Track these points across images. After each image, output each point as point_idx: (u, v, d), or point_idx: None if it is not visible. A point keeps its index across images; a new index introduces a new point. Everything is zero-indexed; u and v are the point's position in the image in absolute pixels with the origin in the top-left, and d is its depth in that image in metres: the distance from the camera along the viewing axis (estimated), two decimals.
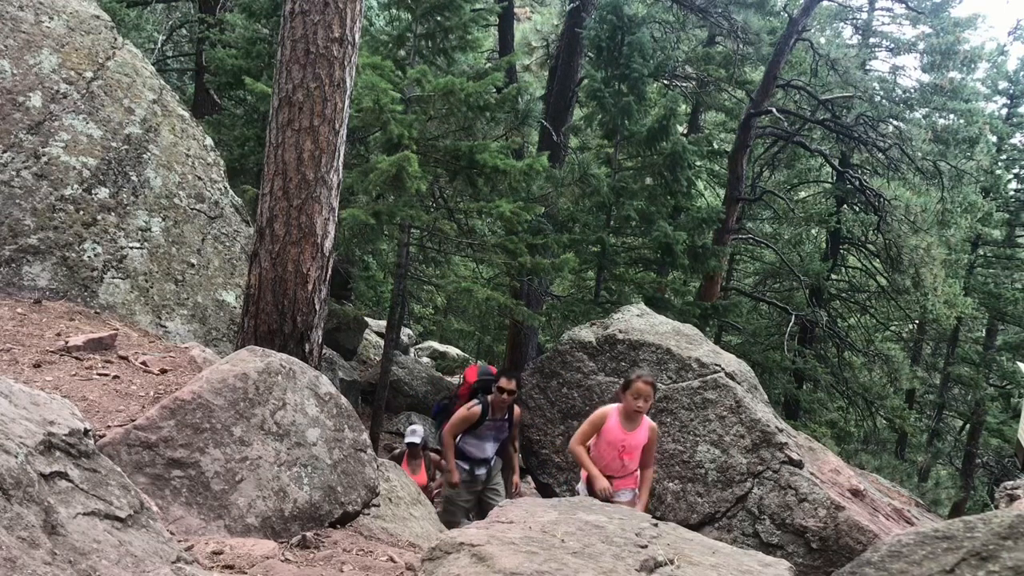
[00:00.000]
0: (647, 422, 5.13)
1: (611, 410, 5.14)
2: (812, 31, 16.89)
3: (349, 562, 3.50)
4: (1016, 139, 23.43)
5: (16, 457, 2.25)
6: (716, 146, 17.28)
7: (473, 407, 6.11)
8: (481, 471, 6.24)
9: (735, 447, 6.07)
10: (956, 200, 16.21)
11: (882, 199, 15.32)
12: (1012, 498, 6.96)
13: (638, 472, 5.22)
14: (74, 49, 5.96)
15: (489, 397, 6.12)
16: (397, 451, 8.21)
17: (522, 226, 9.63)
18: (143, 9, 12.94)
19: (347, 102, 5.09)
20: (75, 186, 5.58)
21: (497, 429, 6.19)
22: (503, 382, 6.06)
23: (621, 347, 6.71)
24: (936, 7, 17.50)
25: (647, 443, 5.11)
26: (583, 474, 5.25)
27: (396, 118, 8.12)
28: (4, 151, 5.40)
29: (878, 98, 16.21)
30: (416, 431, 7.91)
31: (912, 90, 17.37)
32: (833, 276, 18.48)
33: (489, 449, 6.24)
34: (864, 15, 19.05)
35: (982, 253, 22.70)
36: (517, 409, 6.34)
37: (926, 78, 17.57)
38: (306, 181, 4.92)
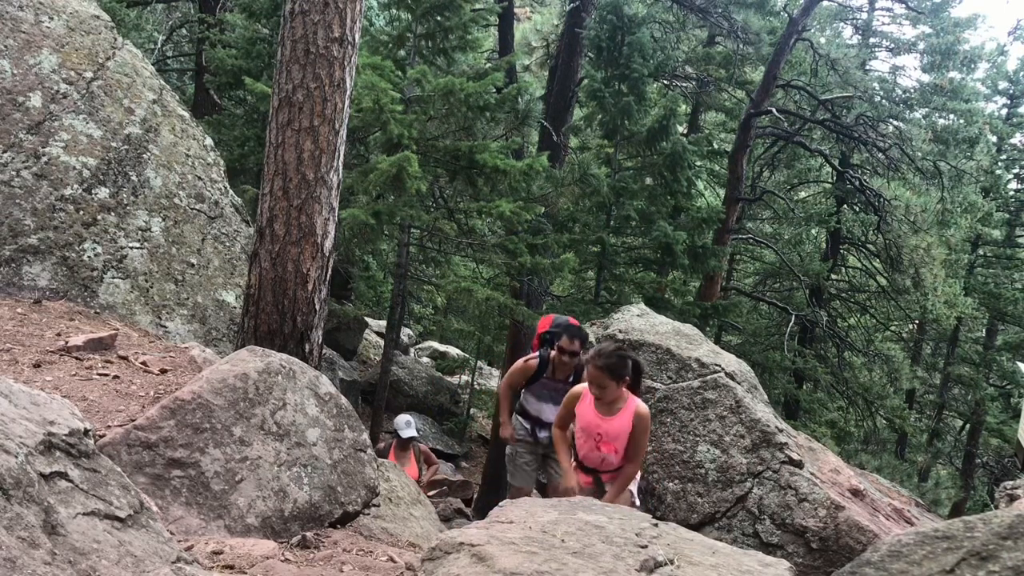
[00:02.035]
0: (633, 406, 4.13)
1: (587, 388, 4.24)
2: (812, 31, 16.89)
3: (349, 562, 3.50)
4: (1016, 139, 23.44)
5: (16, 457, 2.25)
6: (716, 146, 17.28)
7: (531, 360, 5.46)
8: (543, 434, 5.45)
9: (735, 447, 6.07)
10: (956, 200, 16.22)
11: (882, 199, 15.33)
12: (1012, 498, 6.96)
13: None
14: (74, 49, 5.96)
15: (552, 352, 5.37)
16: (382, 445, 8.18)
17: (522, 226, 9.64)
18: (143, 9, 12.94)
19: (347, 102, 5.10)
20: (75, 186, 5.58)
21: (558, 393, 5.23)
22: (563, 341, 5.25)
23: None
24: (936, 7, 17.51)
25: (632, 432, 4.13)
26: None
27: (396, 118, 8.13)
28: (4, 151, 5.40)
29: (878, 98, 16.22)
30: (411, 423, 7.94)
31: (912, 90, 17.38)
32: (833, 276, 18.48)
33: (548, 413, 5.40)
34: (864, 15, 19.05)
35: (982, 253, 22.70)
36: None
37: (926, 78, 17.59)
38: (306, 181, 4.92)
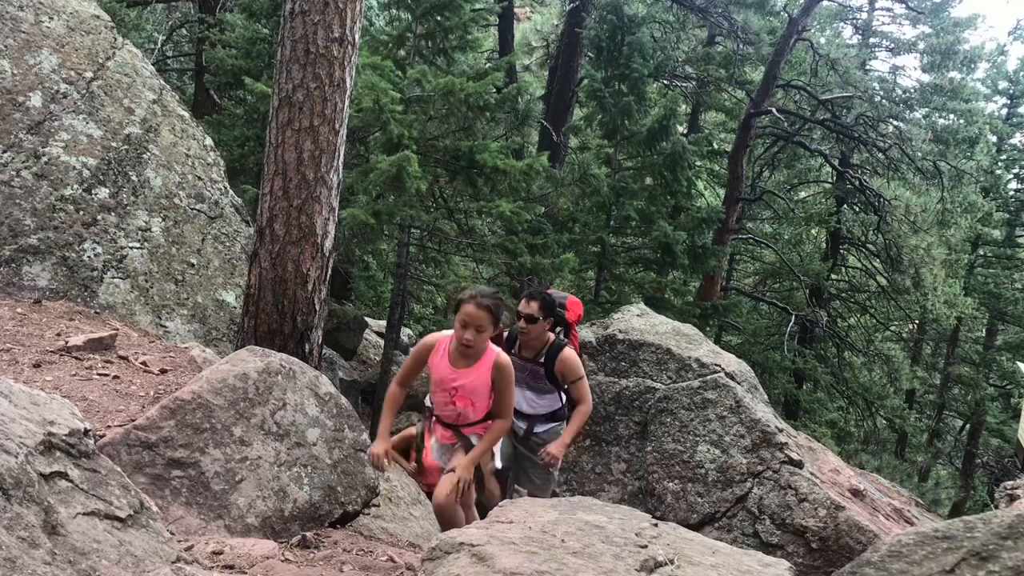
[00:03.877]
0: (491, 357, 3.62)
1: (442, 339, 3.72)
2: (812, 31, 16.90)
3: (349, 562, 3.50)
4: (1016, 139, 23.45)
5: (16, 457, 2.25)
6: (716, 146, 17.29)
7: (498, 334, 4.42)
8: (518, 424, 4.52)
9: (735, 447, 6.07)
10: (956, 200, 16.23)
11: (882, 199, 15.33)
12: (1012, 498, 6.96)
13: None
14: (74, 49, 5.96)
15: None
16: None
17: (522, 226, 9.64)
18: (143, 9, 12.94)
19: (347, 102, 5.10)
20: (75, 186, 5.58)
21: (531, 375, 4.48)
22: (521, 304, 4.39)
23: (621, 347, 6.71)
24: (936, 7, 17.52)
25: (493, 386, 3.64)
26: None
27: (396, 118, 8.13)
28: (4, 151, 5.40)
29: (878, 98, 16.23)
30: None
31: (912, 90, 17.39)
32: (833, 276, 18.48)
33: (521, 398, 4.45)
34: (864, 15, 19.06)
35: (982, 253, 22.70)
36: (567, 354, 4.45)
37: (926, 78, 17.60)
38: (306, 181, 4.92)
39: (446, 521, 3.63)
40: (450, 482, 3.58)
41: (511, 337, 4.55)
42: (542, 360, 4.48)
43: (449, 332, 3.69)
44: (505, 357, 3.65)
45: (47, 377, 4.06)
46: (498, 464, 3.91)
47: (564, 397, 4.60)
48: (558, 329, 4.65)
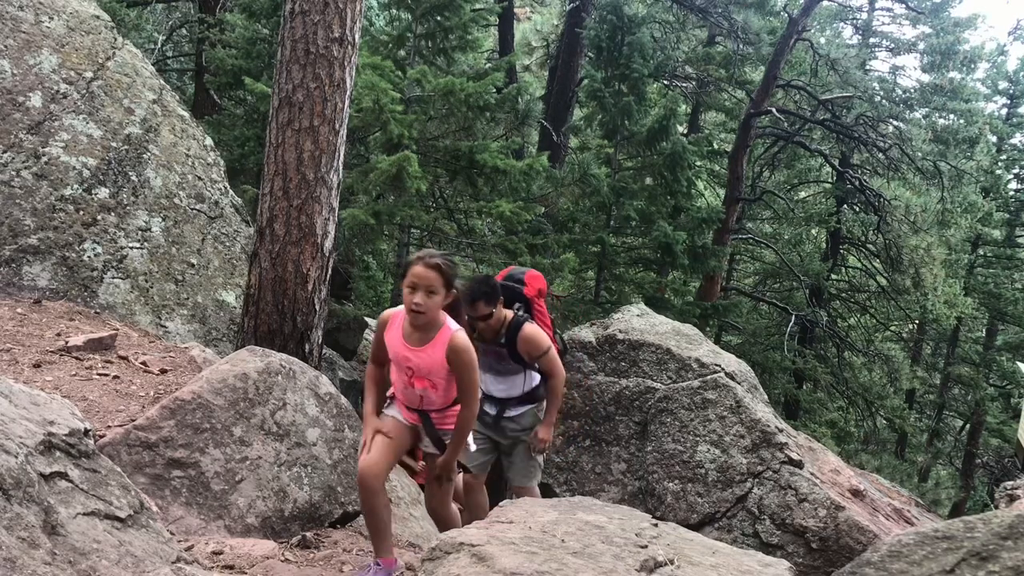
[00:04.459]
0: (447, 335, 3.22)
1: (396, 312, 3.35)
2: (812, 31, 16.90)
3: (349, 562, 3.50)
4: (1016, 139, 23.45)
5: (16, 457, 2.25)
6: (716, 146, 17.29)
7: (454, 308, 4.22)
8: (491, 410, 4.41)
9: (735, 447, 6.07)
10: (956, 200, 16.23)
11: (882, 199, 15.33)
12: (1012, 498, 6.95)
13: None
14: (74, 49, 5.96)
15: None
16: None
17: (522, 226, 9.64)
18: (143, 9, 12.93)
19: (347, 102, 5.10)
20: (75, 186, 5.58)
21: (495, 357, 4.32)
22: (467, 311, 4.05)
23: (621, 347, 6.71)
24: (936, 7, 17.52)
25: (451, 368, 3.24)
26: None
27: (396, 118, 8.13)
28: (4, 151, 5.40)
29: (878, 98, 16.23)
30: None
31: (912, 90, 17.39)
32: (833, 276, 18.49)
33: (491, 385, 4.38)
34: (864, 15, 19.06)
35: (982, 253, 22.70)
36: (528, 331, 4.27)
37: (926, 78, 17.60)
38: (306, 181, 4.92)
39: (442, 522, 3.67)
40: (435, 487, 3.56)
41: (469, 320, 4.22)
42: (502, 341, 4.27)
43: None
44: (463, 337, 3.27)
45: (47, 377, 4.06)
46: (472, 447, 3.70)
47: (538, 378, 4.40)
48: (517, 305, 4.40)
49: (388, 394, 3.54)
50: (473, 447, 3.77)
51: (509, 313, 4.30)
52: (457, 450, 3.40)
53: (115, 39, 6.31)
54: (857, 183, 16.39)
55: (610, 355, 6.76)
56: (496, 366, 4.35)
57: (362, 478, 3.26)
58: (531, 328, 4.29)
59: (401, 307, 3.30)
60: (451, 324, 3.27)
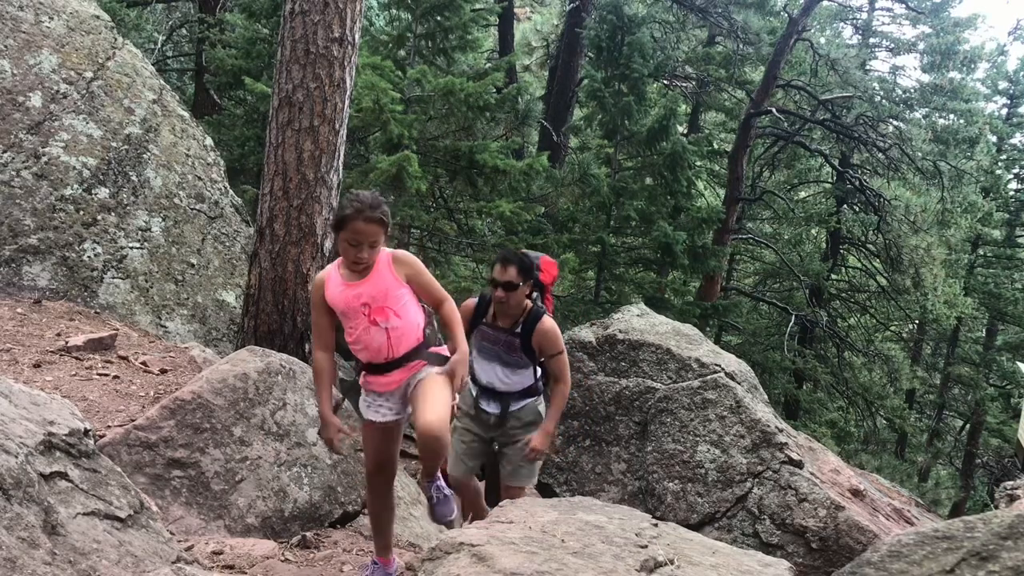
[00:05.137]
0: (386, 256, 3.15)
1: (328, 271, 3.23)
2: (812, 31, 16.90)
3: (349, 562, 3.50)
4: (1016, 139, 23.44)
5: (16, 457, 2.25)
6: (716, 146, 17.29)
7: (471, 299, 4.20)
8: (489, 407, 4.12)
9: (735, 447, 6.07)
10: (956, 200, 16.22)
11: (882, 199, 15.33)
12: (1012, 498, 6.95)
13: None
14: (74, 49, 5.96)
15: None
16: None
17: (522, 226, 9.64)
18: (143, 9, 12.93)
19: (347, 102, 5.10)
20: (75, 186, 5.58)
21: (505, 347, 4.05)
22: (496, 270, 3.94)
23: (621, 347, 6.71)
24: (936, 7, 17.52)
25: (408, 281, 3.17)
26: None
27: (396, 118, 8.13)
28: (4, 151, 5.40)
29: (878, 98, 16.22)
30: None
31: (912, 90, 17.38)
32: (833, 276, 18.49)
33: (494, 375, 4.09)
34: (864, 15, 19.06)
35: (982, 253, 22.70)
36: (547, 324, 4.01)
37: (926, 78, 17.59)
38: (306, 181, 4.92)
39: (433, 454, 3.06)
40: (438, 402, 3.01)
41: (483, 303, 4.10)
42: (518, 330, 4.02)
43: (332, 265, 3.21)
44: (399, 251, 3.21)
45: (47, 377, 4.06)
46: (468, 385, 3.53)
47: (539, 371, 4.20)
48: (534, 294, 4.19)
49: (361, 393, 3.32)
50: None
51: (529, 303, 4.09)
52: (461, 370, 3.15)
53: (115, 39, 6.32)
54: (857, 183, 16.39)
55: (610, 355, 6.76)
56: (505, 357, 4.11)
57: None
58: (550, 323, 4.08)
59: (328, 268, 3.23)
60: (385, 249, 3.18)
